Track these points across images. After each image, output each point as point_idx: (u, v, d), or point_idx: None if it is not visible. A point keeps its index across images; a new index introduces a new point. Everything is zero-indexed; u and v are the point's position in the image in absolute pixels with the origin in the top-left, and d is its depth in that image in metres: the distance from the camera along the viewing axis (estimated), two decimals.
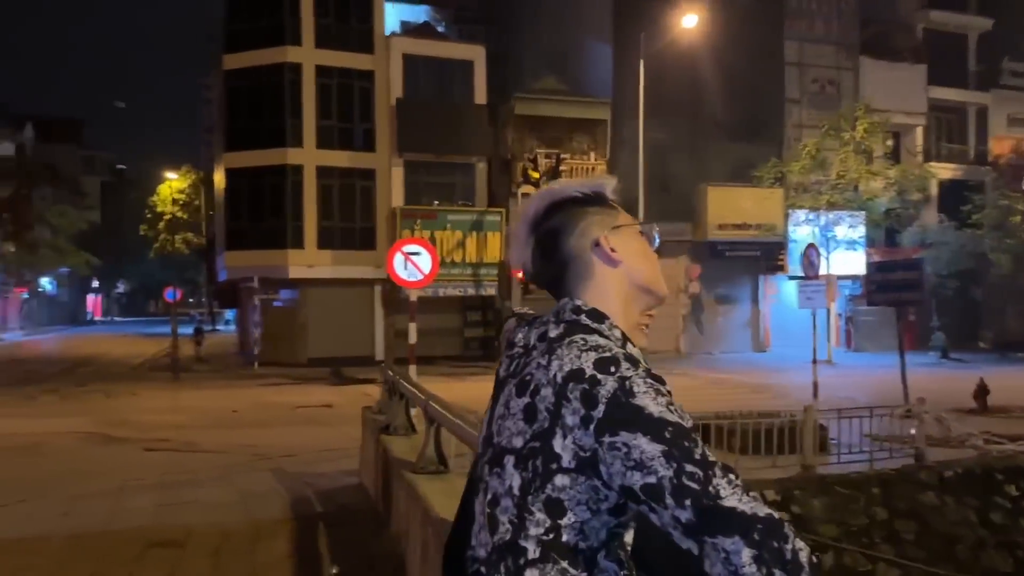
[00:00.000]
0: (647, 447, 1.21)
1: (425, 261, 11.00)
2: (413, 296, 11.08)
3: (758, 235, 27.55)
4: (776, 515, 1.18)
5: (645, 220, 25.01)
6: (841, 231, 26.19)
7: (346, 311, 26.18)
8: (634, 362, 1.29)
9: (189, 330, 55.91)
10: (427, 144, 26.22)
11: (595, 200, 1.47)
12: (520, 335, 1.43)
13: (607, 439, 1.22)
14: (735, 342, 28.91)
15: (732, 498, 1.17)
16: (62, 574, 5.24)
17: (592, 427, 1.23)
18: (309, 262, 25.60)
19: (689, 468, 1.19)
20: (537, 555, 1.26)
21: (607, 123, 28.28)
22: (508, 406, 1.34)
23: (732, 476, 1.20)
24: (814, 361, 13.87)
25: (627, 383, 1.25)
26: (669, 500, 1.19)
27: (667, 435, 1.21)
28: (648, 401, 1.23)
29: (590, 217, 1.45)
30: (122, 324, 66.86)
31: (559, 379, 1.27)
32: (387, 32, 27.12)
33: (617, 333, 1.40)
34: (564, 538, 1.26)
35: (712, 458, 1.21)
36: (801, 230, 26.54)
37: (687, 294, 27.98)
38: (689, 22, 24.33)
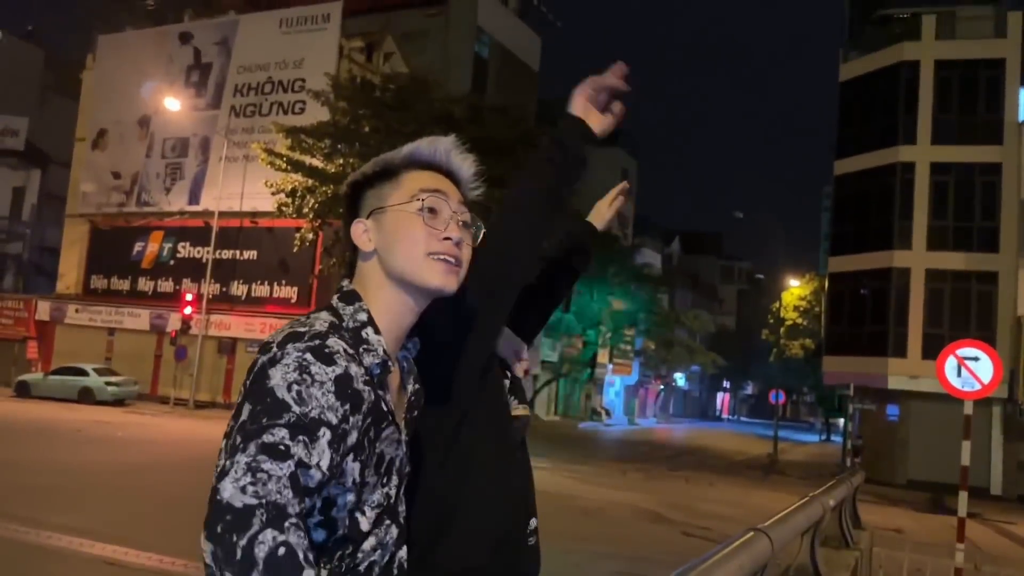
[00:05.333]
0: (242, 417, 1.08)
1: (985, 368, 9.30)
2: (968, 409, 9.40)
3: None
4: (253, 504, 0.96)
5: None
6: None
7: (955, 431, 23.10)
8: (319, 339, 1.15)
9: (803, 436, 55.70)
10: None
11: (380, 176, 1.33)
12: None
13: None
14: None
15: (230, 484, 0.98)
16: None
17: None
18: (912, 372, 23.50)
19: (236, 439, 1.04)
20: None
21: None
22: None
23: (266, 461, 1.00)
24: None
25: (278, 354, 1.13)
26: None
27: (256, 408, 1.07)
28: (277, 374, 1.10)
29: (364, 200, 1.33)
30: (747, 424, 70.11)
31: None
32: (1020, 119, 23.98)
33: (361, 316, 1.26)
34: None
35: (275, 441, 1.02)
36: None
37: None
38: None
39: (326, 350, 1.13)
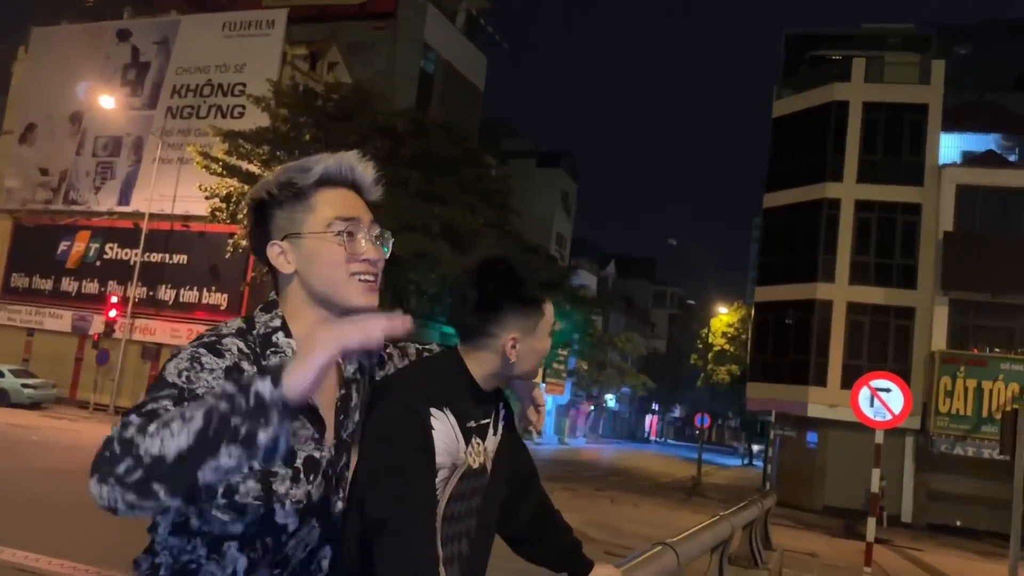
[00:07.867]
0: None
1: (896, 400, 9.79)
2: (878, 438, 9.86)
3: None
4: (131, 429, 1.01)
5: None
6: None
7: (870, 459, 23.92)
8: (215, 336, 1.26)
9: (727, 460, 56.78)
10: (979, 282, 23.23)
11: (289, 198, 1.37)
12: None
13: None
14: None
15: (114, 430, 1.05)
16: None
17: None
18: (831, 401, 24.28)
19: (131, 415, 1.08)
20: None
21: None
22: None
23: (149, 416, 1.04)
24: None
25: (185, 350, 1.24)
26: None
27: (151, 388, 1.17)
28: (171, 365, 1.20)
29: (275, 221, 1.37)
30: (673, 446, 71.21)
31: None
32: (940, 163, 25.17)
33: (275, 323, 1.34)
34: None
35: (157, 408, 1.08)
36: None
37: None
38: None
39: (218, 346, 1.23)
